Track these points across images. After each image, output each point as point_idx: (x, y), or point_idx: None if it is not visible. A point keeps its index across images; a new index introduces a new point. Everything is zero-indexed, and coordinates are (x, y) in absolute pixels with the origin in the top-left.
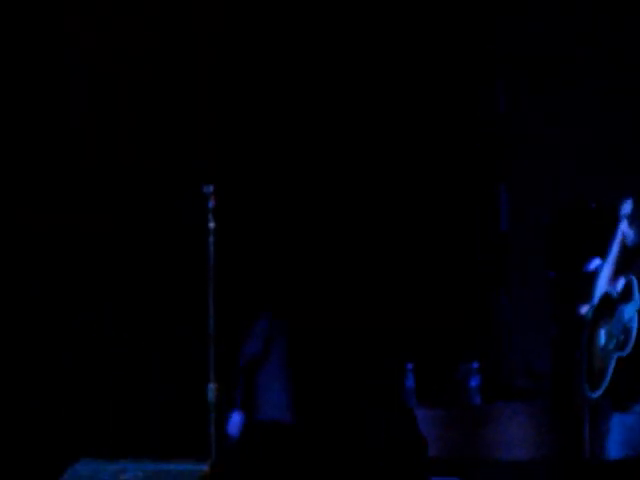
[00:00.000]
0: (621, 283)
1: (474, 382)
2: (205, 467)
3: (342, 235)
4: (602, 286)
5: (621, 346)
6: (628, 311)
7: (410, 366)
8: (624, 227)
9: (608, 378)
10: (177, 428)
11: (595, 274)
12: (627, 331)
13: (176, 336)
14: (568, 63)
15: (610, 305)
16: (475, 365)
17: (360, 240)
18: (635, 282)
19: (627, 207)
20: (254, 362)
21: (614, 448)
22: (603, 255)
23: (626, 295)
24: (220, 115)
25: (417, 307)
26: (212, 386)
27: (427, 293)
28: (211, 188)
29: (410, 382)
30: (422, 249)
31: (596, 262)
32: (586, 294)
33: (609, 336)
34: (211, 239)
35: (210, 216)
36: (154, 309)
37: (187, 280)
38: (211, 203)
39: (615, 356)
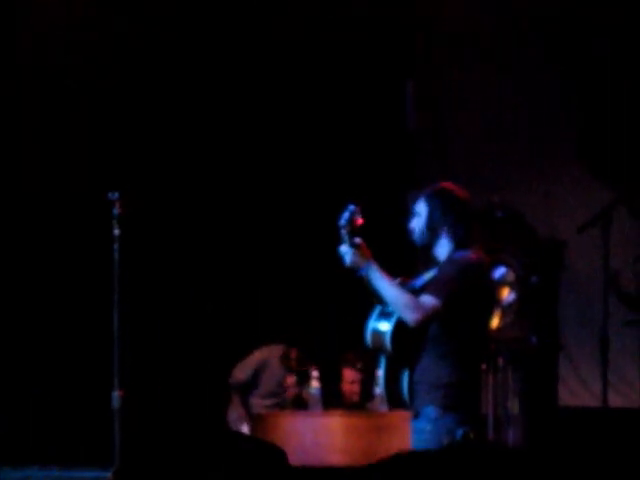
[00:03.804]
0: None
1: (379, 389)
2: (109, 474)
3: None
4: None
5: None
6: None
7: (316, 372)
8: None
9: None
10: (81, 435)
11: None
12: None
13: (81, 343)
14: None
15: None
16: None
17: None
18: None
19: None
20: (243, 386)
21: None
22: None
23: None
24: (125, 121)
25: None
26: (116, 393)
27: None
28: (116, 195)
29: (316, 388)
30: None
31: (501, 270)
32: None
33: None
34: (116, 246)
35: (115, 223)
36: (59, 315)
37: (92, 287)
38: (116, 210)
39: None
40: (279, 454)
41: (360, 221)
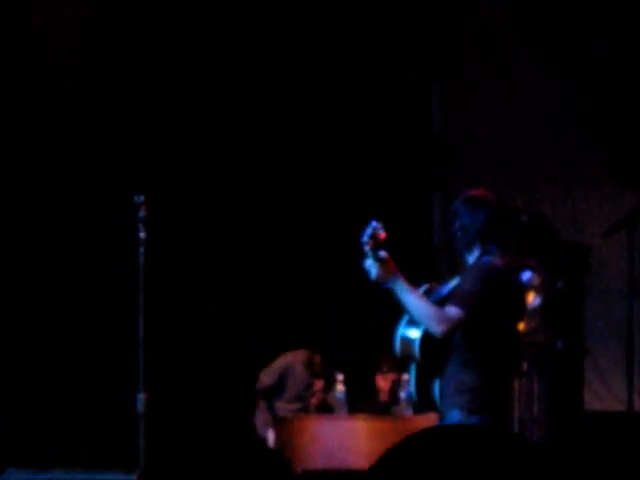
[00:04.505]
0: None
1: (406, 393)
2: (134, 477)
3: (272, 245)
4: None
5: None
6: None
7: (341, 376)
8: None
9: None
10: (106, 438)
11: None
12: None
13: (107, 346)
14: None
15: None
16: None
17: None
18: None
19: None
20: (269, 391)
21: None
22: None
23: None
24: (151, 125)
25: None
26: (141, 396)
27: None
28: (142, 198)
29: (341, 392)
30: None
31: (527, 275)
32: None
33: None
34: (141, 249)
35: (140, 226)
36: (85, 318)
37: (117, 289)
38: (141, 213)
39: None
40: (286, 463)
41: (383, 235)
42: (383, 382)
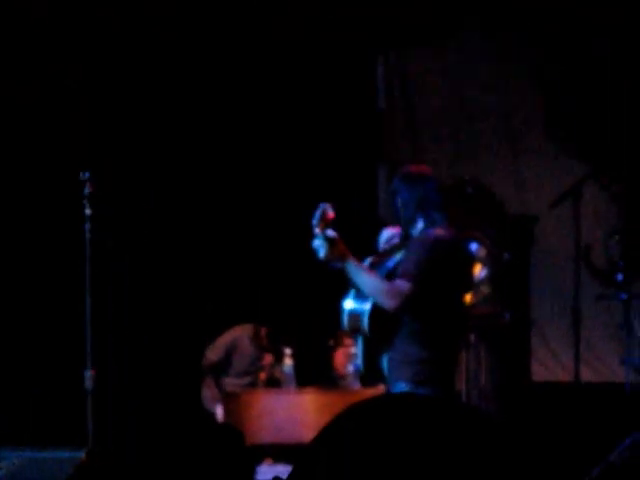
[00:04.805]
0: None
1: (353, 366)
2: (82, 454)
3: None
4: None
5: None
6: None
7: (289, 350)
8: None
9: None
10: (54, 415)
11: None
12: None
13: (53, 323)
14: None
15: None
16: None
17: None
18: None
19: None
20: (216, 367)
21: None
22: None
23: None
24: (96, 101)
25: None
26: (89, 373)
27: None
28: (87, 175)
29: (289, 366)
30: None
31: (473, 247)
32: None
33: None
34: (87, 226)
35: (86, 203)
36: (31, 296)
37: (63, 266)
38: (87, 190)
39: None
40: (237, 436)
41: (332, 215)
42: (343, 356)
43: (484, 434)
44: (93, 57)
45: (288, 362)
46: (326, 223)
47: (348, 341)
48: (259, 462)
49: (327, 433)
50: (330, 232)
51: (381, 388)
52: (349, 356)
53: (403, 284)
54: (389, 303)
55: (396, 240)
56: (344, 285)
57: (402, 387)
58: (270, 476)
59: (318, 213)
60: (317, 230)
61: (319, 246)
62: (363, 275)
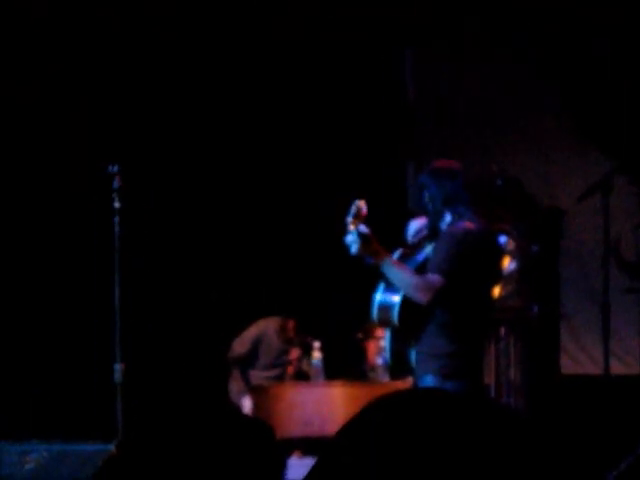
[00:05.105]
0: None
1: (382, 359)
2: (111, 447)
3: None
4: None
5: None
6: None
7: (317, 344)
8: None
9: None
10: (84, 408)
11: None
12: None
13: (83, 316)
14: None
15: None
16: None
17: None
18: None
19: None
20: (242, 360)
21: None
22: None
23: None
24: (126, 95)
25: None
26: (118, 366)
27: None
28: (116, 168)
29: (318, 359)
30: None
31: (502, 239)
32: None
33: None
34: (116, 219)
35: (115, 196)
36: (61, 289)
37: (93, 260)
38: (116, 183)
39: None
40: (267, 430)
41: (365, 212)
42: (374, 348)
43: (511, 433)
44: (129, 51)
45: (317, 355)
46: (360, 219)
47: (379, 333)
48: (288, 456)
49: (352, 426)
50: (363, 228)
51: (410, 381)
52: (379, 348)
53: (435, 278)
54: (421, 297)
55: (424, 232)
56: (371, 278)
57: (429, 380)
58: (298, 469)
59: (352, 209)
60: (351, 226)
61: (352, 242)
62: (395, 270)
